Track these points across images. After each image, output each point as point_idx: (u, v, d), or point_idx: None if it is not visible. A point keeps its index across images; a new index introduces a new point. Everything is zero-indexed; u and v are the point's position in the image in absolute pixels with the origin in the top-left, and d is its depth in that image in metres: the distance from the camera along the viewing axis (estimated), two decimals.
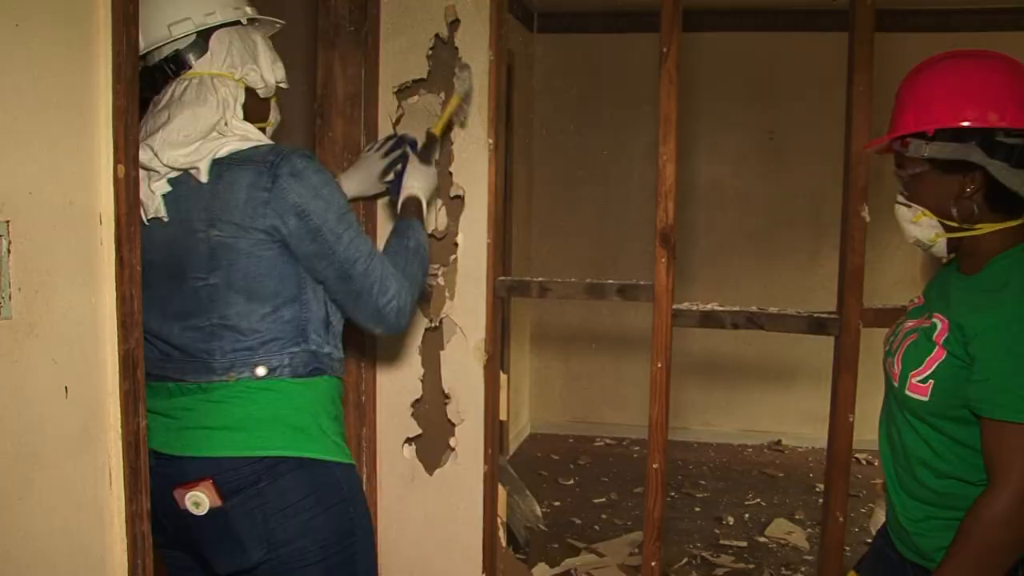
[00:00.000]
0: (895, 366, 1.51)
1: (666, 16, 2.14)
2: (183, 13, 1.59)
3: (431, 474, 2.40)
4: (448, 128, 2.20)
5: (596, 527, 3.97)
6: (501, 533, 2.46)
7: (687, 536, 3.88)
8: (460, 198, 2.30)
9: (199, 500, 1.53)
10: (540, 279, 2.36)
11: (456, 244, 2.31)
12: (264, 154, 1.57)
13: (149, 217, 1.58)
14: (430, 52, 2.27)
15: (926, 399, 1.42)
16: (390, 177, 2.02)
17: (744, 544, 3.84)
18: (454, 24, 2.25)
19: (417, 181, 1.95)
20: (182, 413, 1.59)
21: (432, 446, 2.40)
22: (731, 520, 4.14)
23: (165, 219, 1.58)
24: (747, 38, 4.97)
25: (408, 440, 2.40)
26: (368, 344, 2.33)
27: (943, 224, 1.46)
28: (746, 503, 4.39)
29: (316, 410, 1.64)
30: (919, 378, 1.43)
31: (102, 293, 1.35)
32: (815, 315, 2.19)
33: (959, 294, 1.47)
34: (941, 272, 1.61)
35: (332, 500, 1.61)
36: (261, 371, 1.58)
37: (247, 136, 1.60)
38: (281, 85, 1.73)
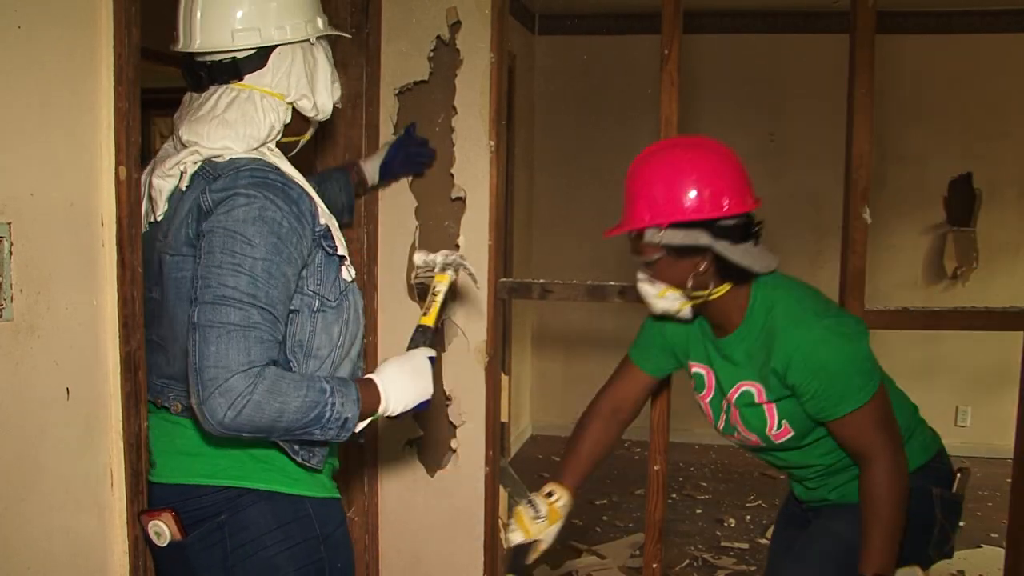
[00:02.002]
0: (749, 437, 1.74)
1: (667, 18, 2.14)
2: (252, 22, 1.43)
3: (432, 476, 2.40)
4: (441, 315, 1.73)
5: (597, 529, 3.97)
6: (503, 535, 2.46)
7: (688, 538, 3.88)
8: (461, 200, 2.30)
9: (160, 531, 1.41)
10: (541, 281, 2.36)
11: (457, 246, 2.31)
12: (219, 173, 1.38)
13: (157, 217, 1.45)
14: (431, 54, 2.27)
15: (793, 433, 1.67)
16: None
17: (745, 546, 3.83)
18: (455, 26, 2.25)
19: (390, 382, 1.47)
20: (153, 432, 1.47)
21: (433, 448, 2.40)
22: (732, 522, 4.14)
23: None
24: (748, 40, 4.97)
25: (409, 442, 2.40)
26: (370, 347, 2.33)
27: (686, 295, 1.64)
28: (747, 505, 4.39)
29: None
30: (775, 430, 1.68)
31: (103, 294, 1.35)
32: None
33: (740, 355, 1.69)
34: (695, 343, 1.80)
35: (301, 536, 1.43)
36: (176, 407, 1.43)
37: (234, 150, 1.42)
38: (337, 106, 1.57)
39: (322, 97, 1.51)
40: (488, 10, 2.24)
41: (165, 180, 1.42)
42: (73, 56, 1.28)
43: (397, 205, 2.33)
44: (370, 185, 2.19)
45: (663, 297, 1.65)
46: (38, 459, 1.25)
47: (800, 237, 5.06)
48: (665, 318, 1.73)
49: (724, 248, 1.57)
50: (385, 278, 2.35)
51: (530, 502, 1.79)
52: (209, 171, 1.39)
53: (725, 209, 1.55)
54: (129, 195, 1.37)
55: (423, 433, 2.40)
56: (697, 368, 1.80)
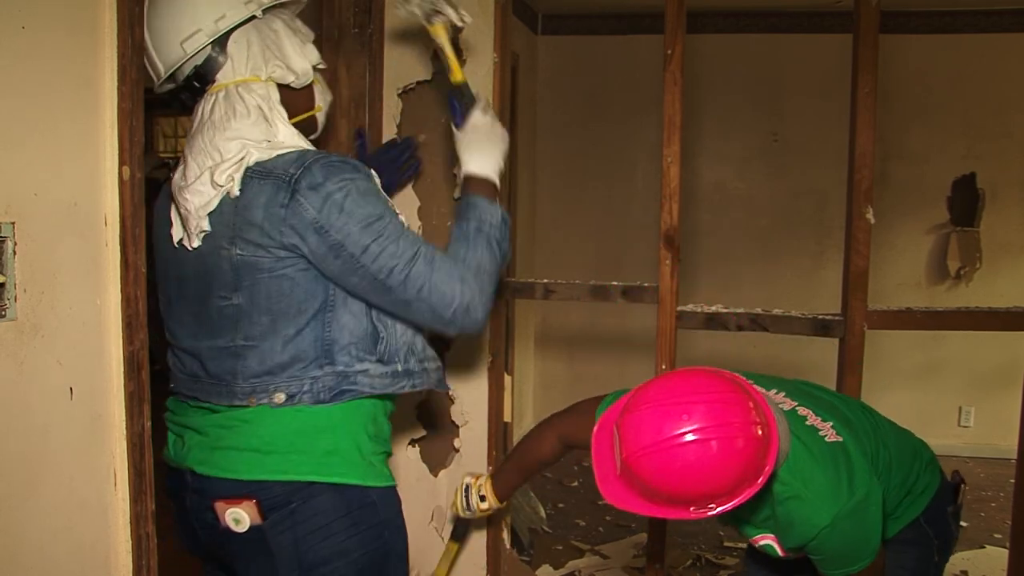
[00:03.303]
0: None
1: (670, 18, 2.14)
2: (193, 25, 1.44)
3: (436, 475, 2.40)
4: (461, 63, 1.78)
5: (600, 529, 3.97)
6: (505, 535, 2.46)
7: (691, 538, 3.87)
8: None
9: (240, 517, 1.45)
10: (544, 281, 2.36)
11: None
12: (286, 166, 1.41)
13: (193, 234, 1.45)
14: (434, 54, 2.27)
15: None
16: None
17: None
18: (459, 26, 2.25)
19: (467, 153, 1.65)
20: (215, 431, 1.50)
21: (437, 448, 2.40)
22: None
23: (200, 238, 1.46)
24: (751, 40, 4.96)
25: (413, 441, 2.40)
26: None
27: None
28: None
29: (350, 431, 1.50)
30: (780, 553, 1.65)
31: (107, 294, 1.36)
32: (819, 317, 2.18)
33: (757, 519, 1.62)
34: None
35: (367, 523, 1.51)
36: (279, 398, 1.46)
37: (277, 143, 1.46)
38: (319, 67, 1.58)
39: (295, 62, 1.52)
40: (491, 10, 2.24)
41: (197, 196, 1.42)
42: (77, 57, 1.29)
43: (400, 205, 2.32)
44: None
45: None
46: (41, 459, 1.25)
47: (803, 237, 5.05)
48: None
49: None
50: None
51: (467, 501, 2.06)
52: (259, 170, 1.41)
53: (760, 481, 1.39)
54: (132, 195, 1.37)
55: (426, 433, 2.40)
56: None
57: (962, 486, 1.83)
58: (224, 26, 1.45)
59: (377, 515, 1.52)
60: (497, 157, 1.65)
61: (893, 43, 4.47)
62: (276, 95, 1.49)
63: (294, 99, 1.53)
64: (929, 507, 1.72)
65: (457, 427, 2.37)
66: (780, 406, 1.59)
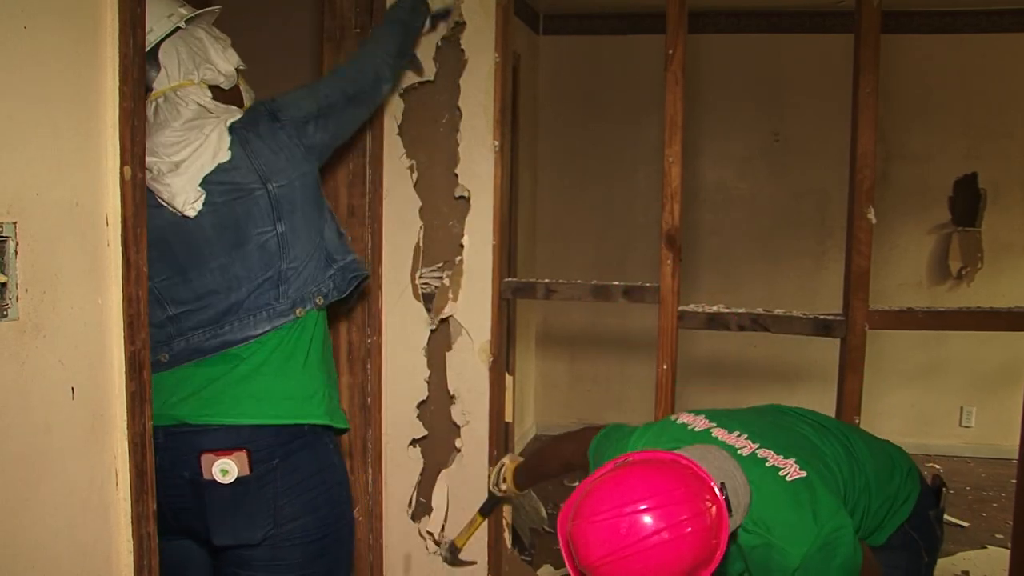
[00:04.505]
0: None
1: (672, 18, 2.14)
2: None
3: (437, 475, 2.40)
4: None
5: None
6: (507, 535, 2.46)
7: None
8: (465, 199, 2.30)
9: (228, 468, 1.58)
10: (546, 280, 2.36)
11: (461, 246, 2.32)
12: (256, 116, 1.69)
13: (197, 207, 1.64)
14: (436, 53, 2.27)
15: None
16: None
17: None
18: (460, 26, 2.25)
19: None
20: (207, 383, 1.65)
21: (438, 447, 2.40)
22: None
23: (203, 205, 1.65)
24: (753, 40, 4.96)
25: (414, 441, 2.40)
26: (374, 346, 2.33)
27: None
28: None
29: (324, 367, 1.75)
30: None
31: (108, 294, 1.36)
32: (821, 317, 2.18)
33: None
34: None
35: (334, 479, 1.72)
36: (320, 300, 1.73)
37: (229, 110, 1.70)
38: (240, 68, 1.77)
39: (221, 65, 1.71)
40: (492, 11, 2.24)
41: (177, 177, 1.62)
42: (78, 56, 1.29)
43: (401, 204, 2.33)
44: None
45: None
46: (43, 459, 1.25)
47: (804, 237, 5.05)
48: None
49: None
50: (390, 277, 2.35)
51: (497, 477, 2.26)
52: (237, 125, 1.67)
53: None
54: (134, 195, 1.37)
55: (427, 433, 2.40)
56: None
57: (944, 489, 1.85)
58: (153, 39, 1.63)
59: (338, 474, 1.74)
60: None
61: (894, 43, 4.46)
62: (209, 95, 1.69)
63: (225, 98, 1.73)
64: (912, 514, 1.74)
65: (458, 427, 2.37)
66: (741, 451, 1.60)
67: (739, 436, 1.66)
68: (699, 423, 1.73)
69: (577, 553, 1.37)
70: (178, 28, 1.68)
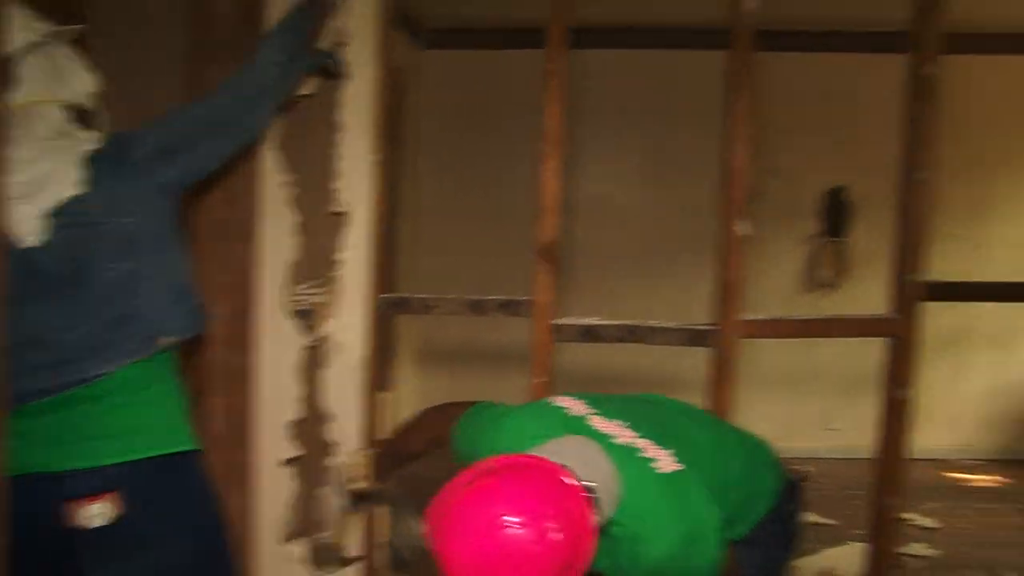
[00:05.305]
0: None
1: (553, 34, 2.16)
2: None
3: (310, 496, 2.33)
4: None
5: None
6: (382, 554, 2.42)
7: None
8: (344, 215, 2.26)
9: (96, 513, 1.52)
10: (422, 296, 2.34)
11: (338, 261, 2.27)
12: (108, 149, 1.65)
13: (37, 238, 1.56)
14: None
15: None
16: None
17: None
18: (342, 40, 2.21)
19: None
20: (61, 426, 1.57)
21: (312, 468, 2.33)
22: None
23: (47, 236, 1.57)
24: (634, 56, 5.07)
25: (288, 461, 2.33)
26: (248, 366, 2.25)
27: None
28: None
29: (174, 393, 1.73)
30: None
31: None
32: (693, 328, 2.24)
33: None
34: None
35: (208, 505, 1.72)
36: (169, 340, 1.67)
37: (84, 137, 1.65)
38: (99, 91, 1.72)
39: (78, 86, 1.67)
40: (374, 26, 2.21)
41: (32, 203, 1.55)
42: None
43: (278, 220, 2.27)
44: None
45: None
46: None
47: (683, 250, 5.19)
48: None
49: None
50: (266, 294, 2.28)
51: None
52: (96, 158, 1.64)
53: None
54: None
55: (301, 453, 2.33)
56: None
57: (802, 484, 1.90)
58: (8, 51, 1.56)
59: (211, 499, 1.74)
60: None
61: (768, 61, 4.64)
62: (64, 116, 1.63)
63: (83, 121, 1.68)
64: (773, 507, 1.78)
65: (333, 446, 2.31)
66: (616, 439, 1.58)
67: (618, 424, 1.65)
68: (577, 407, 1.69)
69: (447, 570, 1.36)
70: (37, 43, 1.60)
